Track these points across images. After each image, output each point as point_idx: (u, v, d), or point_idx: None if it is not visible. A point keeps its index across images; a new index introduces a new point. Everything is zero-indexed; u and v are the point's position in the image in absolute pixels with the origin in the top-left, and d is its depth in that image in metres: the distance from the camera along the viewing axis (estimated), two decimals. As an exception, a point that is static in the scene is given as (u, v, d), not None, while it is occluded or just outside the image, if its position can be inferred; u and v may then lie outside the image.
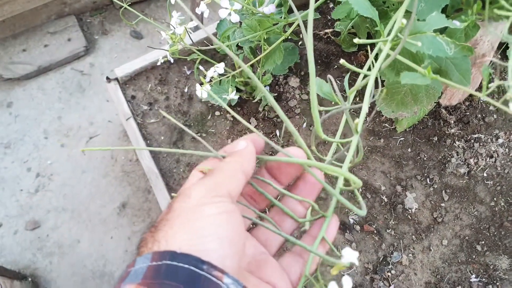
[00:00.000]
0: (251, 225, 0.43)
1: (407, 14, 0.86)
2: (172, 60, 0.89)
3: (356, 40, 0.60)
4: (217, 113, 1.18)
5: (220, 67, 0.95)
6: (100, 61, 1.51)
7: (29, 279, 1.24)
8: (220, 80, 1.10)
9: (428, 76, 0.59)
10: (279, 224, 0.43)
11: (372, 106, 1.17)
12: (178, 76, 1.21)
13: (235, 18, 0.82)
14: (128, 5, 1.65)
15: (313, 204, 0.43)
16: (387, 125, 1.18)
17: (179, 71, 1.21)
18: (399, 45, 0.50)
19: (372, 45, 0.74)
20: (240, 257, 0.32)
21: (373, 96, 0.53)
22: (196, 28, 1.26)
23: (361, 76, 0.67)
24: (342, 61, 0.61)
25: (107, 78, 1.16)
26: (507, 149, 1.15)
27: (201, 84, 0.97)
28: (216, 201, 0.32)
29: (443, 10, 0.83)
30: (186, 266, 0.28)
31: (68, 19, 1.52)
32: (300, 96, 1.21)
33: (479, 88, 1.28)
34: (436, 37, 0.63)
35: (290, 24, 1.02)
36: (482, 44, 1.08)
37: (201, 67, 0.97)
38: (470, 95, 1.24)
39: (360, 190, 1.11)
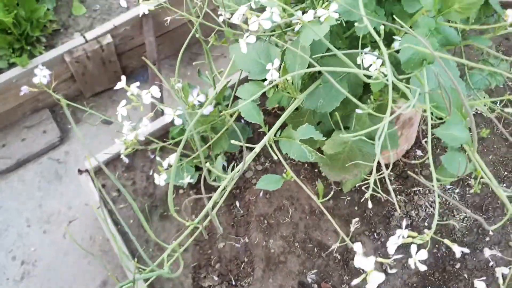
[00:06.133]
0: None
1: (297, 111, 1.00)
2: (127, 160, 1.02)
3: (233, 141, 0.76)
4: (180, 191, 1.30)
5: (172, 158, 1.08)
6: (75, 148, 1.64)
7: None
8: (181, 163, 1.23)
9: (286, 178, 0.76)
10: None
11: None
12: (143, 160, 1.33)
13: (179, 121, 0.96)
14: (98, 93, 1.79)
15: None
16: (334, 186, 1.30)
17: (143, 156, 1.34)
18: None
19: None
20: None
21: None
22: (155, 117, 1.39)
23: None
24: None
25: (79, 170, 1.28)
26: (443, 199, 1.28)
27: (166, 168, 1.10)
28: None
29: (344, 101, 0.98)
30: None
31: (43, 113, 1.65)
32: (255, 168, 1.34)
33: (415, 144, 1.42)
34: (301, 145, 0.79)
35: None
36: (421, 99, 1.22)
37: (158, 158, 1.10)
38: (407, 152, 1.37)
39: (316, 250, 1.22)
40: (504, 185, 1.31)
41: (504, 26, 0.74)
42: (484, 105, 0.91)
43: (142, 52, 1.61)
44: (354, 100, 0.75)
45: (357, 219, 0.93)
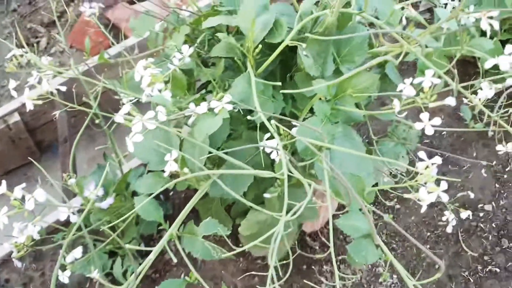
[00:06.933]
0: None
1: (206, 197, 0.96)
2: (19, 265, 0.94)
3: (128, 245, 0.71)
4: (94, 279, 1.21)
5: (77, 251, 1.01)
6: (-16, 233, 1.52)
7: None
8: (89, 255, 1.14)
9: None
10: None
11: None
12: (53, 248, 1.23)
13: (74, 218, 0.89)
14: (11, 170, 1.69)
15: None
16: (259, 261, 1.25)
17: (53, 242, 1.24)
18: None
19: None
20: None
21: None
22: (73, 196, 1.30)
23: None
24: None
25: (-21, 265, 1.17)
26: (370, 265, 1.26)
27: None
28: None
29: (257, 185, 0.95)
30: None
31: None
32: (175, 247, 1.27)
33: (341, 209, 1.41)
34: (204, 242, 0.75)
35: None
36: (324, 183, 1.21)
37: (61, 251, 1.02)
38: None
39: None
40: (428, 246, 1.30)
41: (393, 111, 0.74)
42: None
43: (56, 127, 1.54)
44: (246, 202, 0.72)
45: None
